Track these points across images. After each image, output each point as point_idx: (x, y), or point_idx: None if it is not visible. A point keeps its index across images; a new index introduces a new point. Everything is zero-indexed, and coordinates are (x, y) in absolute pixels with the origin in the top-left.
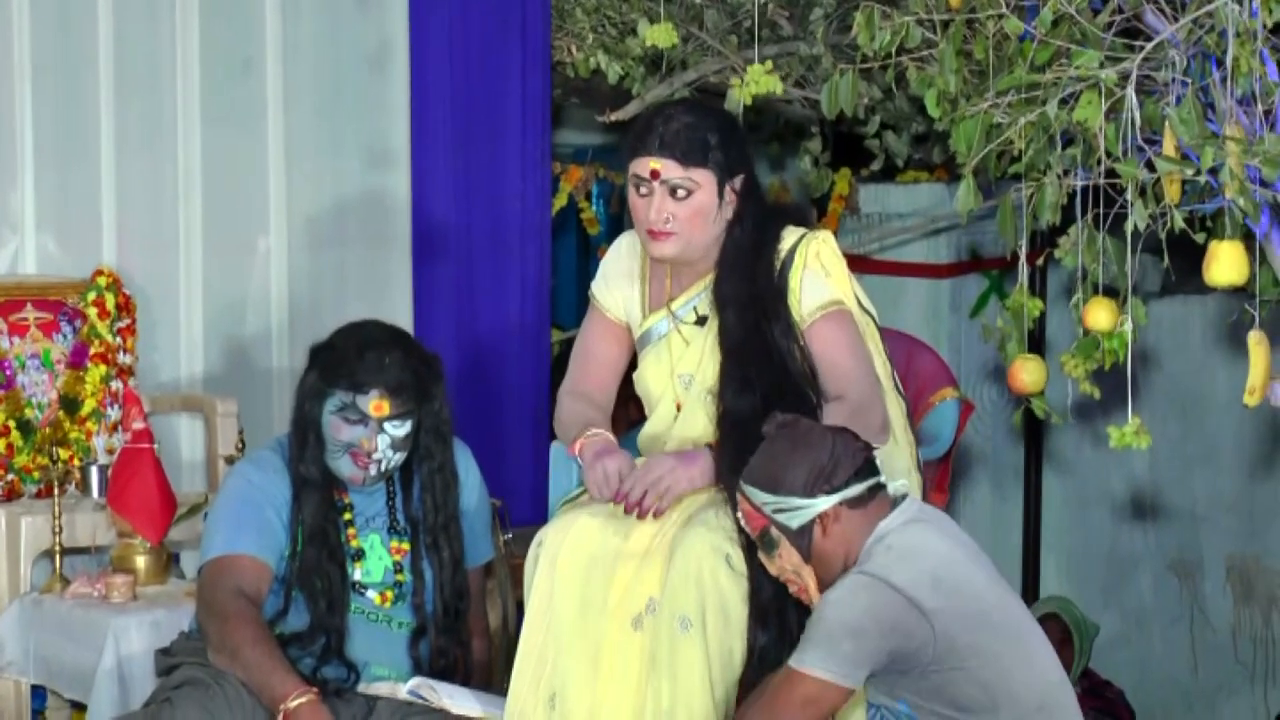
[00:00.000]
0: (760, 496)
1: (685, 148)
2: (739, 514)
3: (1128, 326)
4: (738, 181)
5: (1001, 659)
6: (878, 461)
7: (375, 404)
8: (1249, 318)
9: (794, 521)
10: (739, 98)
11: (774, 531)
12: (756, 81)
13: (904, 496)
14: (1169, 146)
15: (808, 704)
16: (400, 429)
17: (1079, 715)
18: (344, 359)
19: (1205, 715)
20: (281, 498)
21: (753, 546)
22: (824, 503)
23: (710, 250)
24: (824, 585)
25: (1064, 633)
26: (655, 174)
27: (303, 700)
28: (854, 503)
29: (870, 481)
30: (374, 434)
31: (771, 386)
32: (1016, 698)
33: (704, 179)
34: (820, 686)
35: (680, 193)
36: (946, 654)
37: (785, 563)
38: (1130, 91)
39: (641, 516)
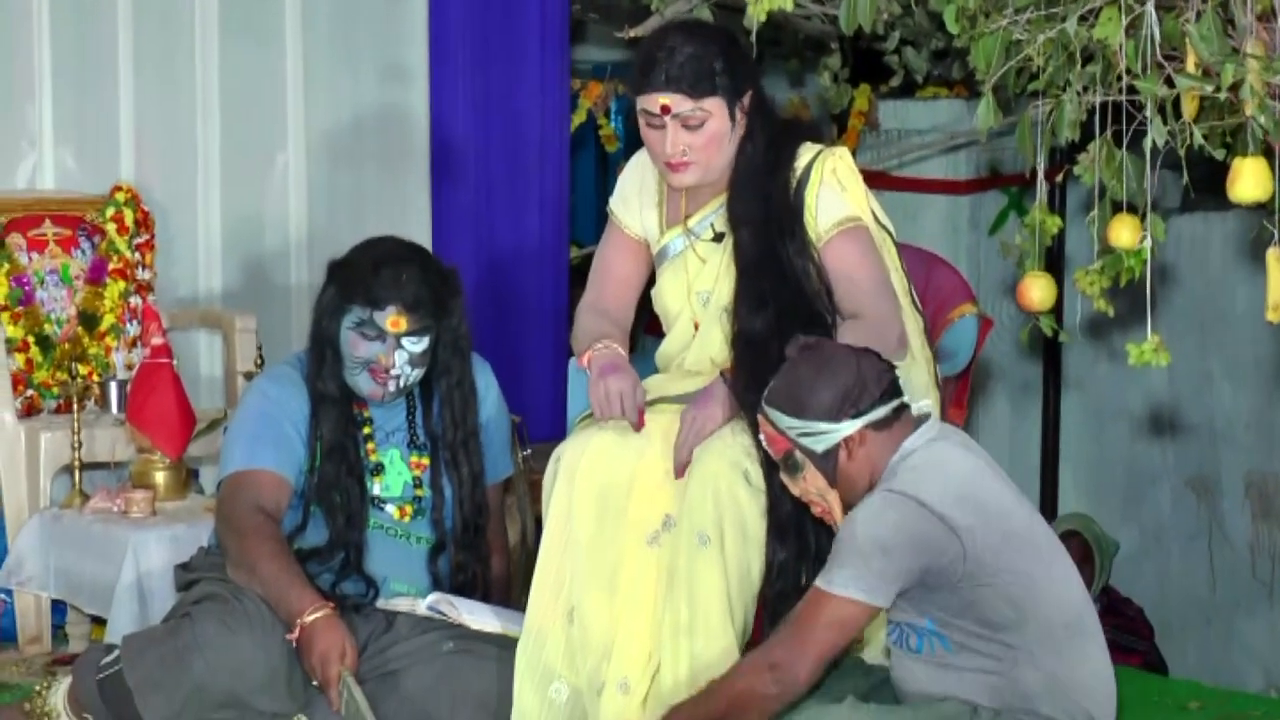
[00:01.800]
0: (784, 420)
1: (693, 79)
2: (760, 436)
3: (1147, 243)
4: (746, 99)
5: (1029, 576)
6: (900, 381)
7: (392, 320)
8: (1269, 234)
9: (819, 445)
10: (753, 14)
11: (798, 455)
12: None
13: (927, 416)
14: (1190, 63)
15: (838, 625)
16: (418, 345)
17: (1101, 634)
18: (361, 275)
19: (1223, 632)
20: (300, 413)
21: (770, 462)
22: (849, 427)
23: (727, 168)
24: (848, 506)
25: (1085, 550)
26: (666, 109)
27: (319, 615)
28: (879, 425)
29: (895, 403)
30: (391, 350)
31: (787, 305)
32: (1043, 615)
33: (715, 106)
34: (850, 607)
35: (693, 123)
36: (976, 570)
37: (809, 485)
38: (1150, 8)
39: (683, 475)
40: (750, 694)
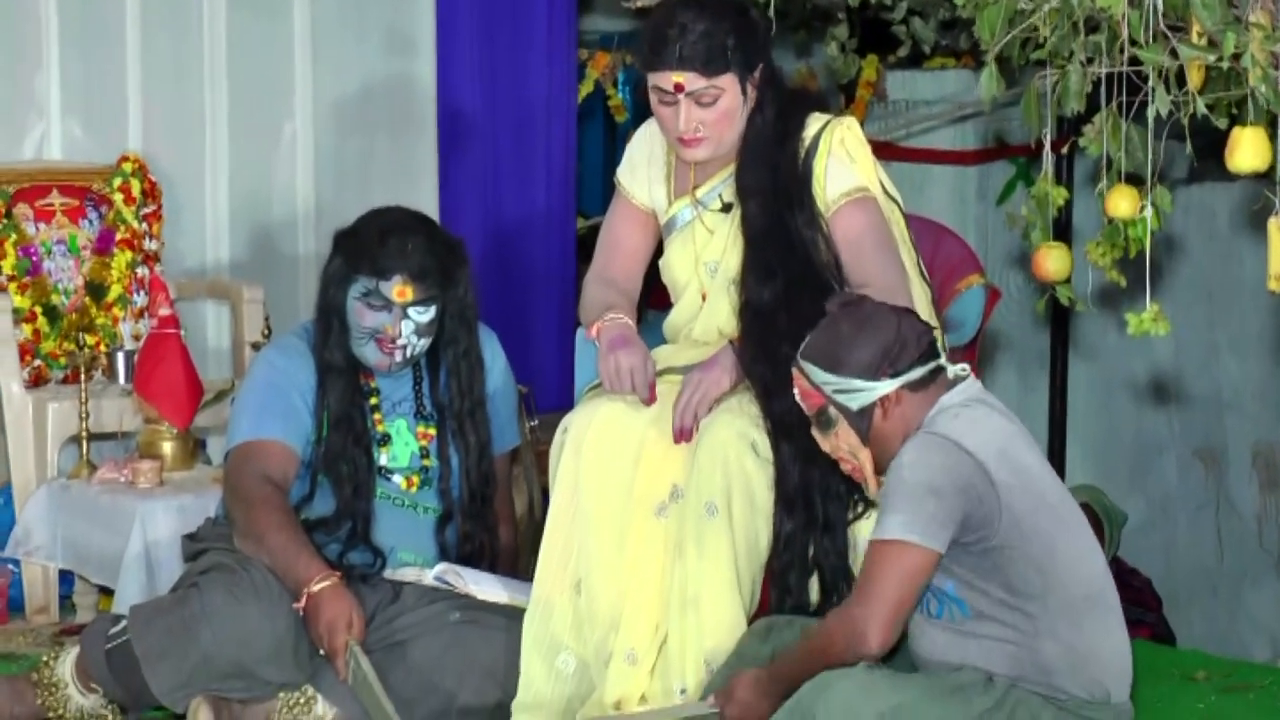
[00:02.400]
0: (820, 376)
1: (706, 57)
2: (794, 390)
3: (1148, 213)
4: (757, 73)
5: (1056, 544)
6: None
7: (399, 289)
8: (1271, 204)
9: (854, 403)
10: None
11: (832, 411)
12: None
13: (965, 377)
14: (1194, 33)
15: (907, 575)
16: (424, 314)
17: (1120, 610)
18: (367, 245)
19: (1230, 602)
20: (307, 383)
21: (778, 432)
22: (887, 386)
23: (737, 139)
24: (880, 467)
25: (1095, 522)
26: (680, 87)
27: (326, 584)
28: (916, 386)
29: (933, 364)
30: (398, 320)
31: (795, 276)
32: (1066, 585)
33: (728, 83)
34: (912, 553)
35: (706, 99)
36: (1010, 529)
37: (841, 442)
38: None
39: (690, 439)
40: (836, 659)
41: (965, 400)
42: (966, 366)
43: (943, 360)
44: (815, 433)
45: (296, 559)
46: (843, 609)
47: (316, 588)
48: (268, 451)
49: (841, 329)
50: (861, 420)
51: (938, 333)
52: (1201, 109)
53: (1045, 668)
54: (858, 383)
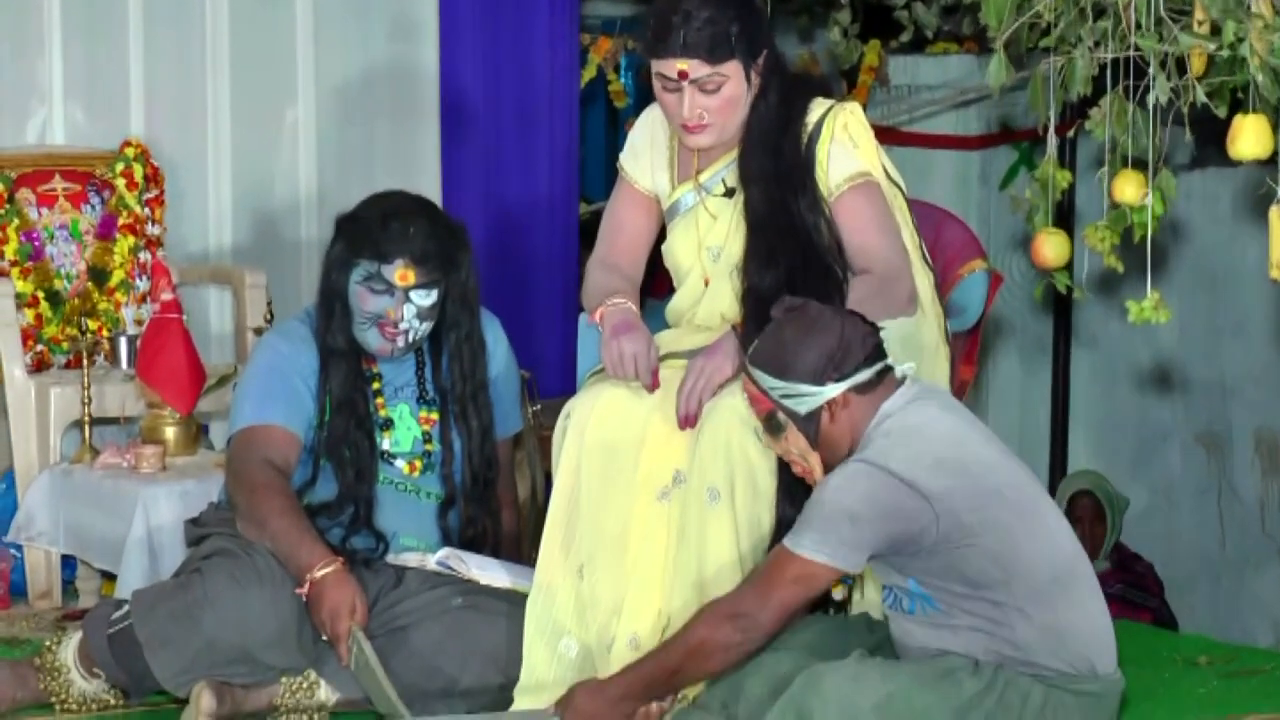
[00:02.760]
0: (768, 381)
1: (710, 45)
2: (748, 397)
3: (1150, 199)
4: (761, 59)
5: (1013, 532)
6: (889, 341)
7: (400, 273)
8: (1272, 192)
9: (802, 408)
10: None
11: (780, 416)
12: None
13: (910, 376)
14: (1196, 19)
15: (799, 581)
16: (426, 298)
17: (1095, 584)
18: (369, 229)
19: (1233, 588)
20: (309, 368)
21: None
22: (832, 390)
23: (740, 125)
24: (829, 467)
25: (1097, 507)
26: (684, 75)
27: (329, 570)
28: (862, 388)
29: (879, 366)
30: (400, 304)
31: (797, 262)
32: (1029, 570)
33: (732, 70)
34: (814, 567)
35: (710, 87)
36: (952, 532)
37: (791, 446)
38: None
39: (694, 425)
40: (711, 643)
41: (907, 402)
42: (911, 366)
43: (889, 361)
44: (765, 437)
45: (300, 544)
46: (731, 601)
47: (320, 573)
48: (270, 436)
49: (786, 334)
50: (809, 424)
51: (884, 334)
52: (1201, 97)
53: (1023, 648)
54: (804, 387)
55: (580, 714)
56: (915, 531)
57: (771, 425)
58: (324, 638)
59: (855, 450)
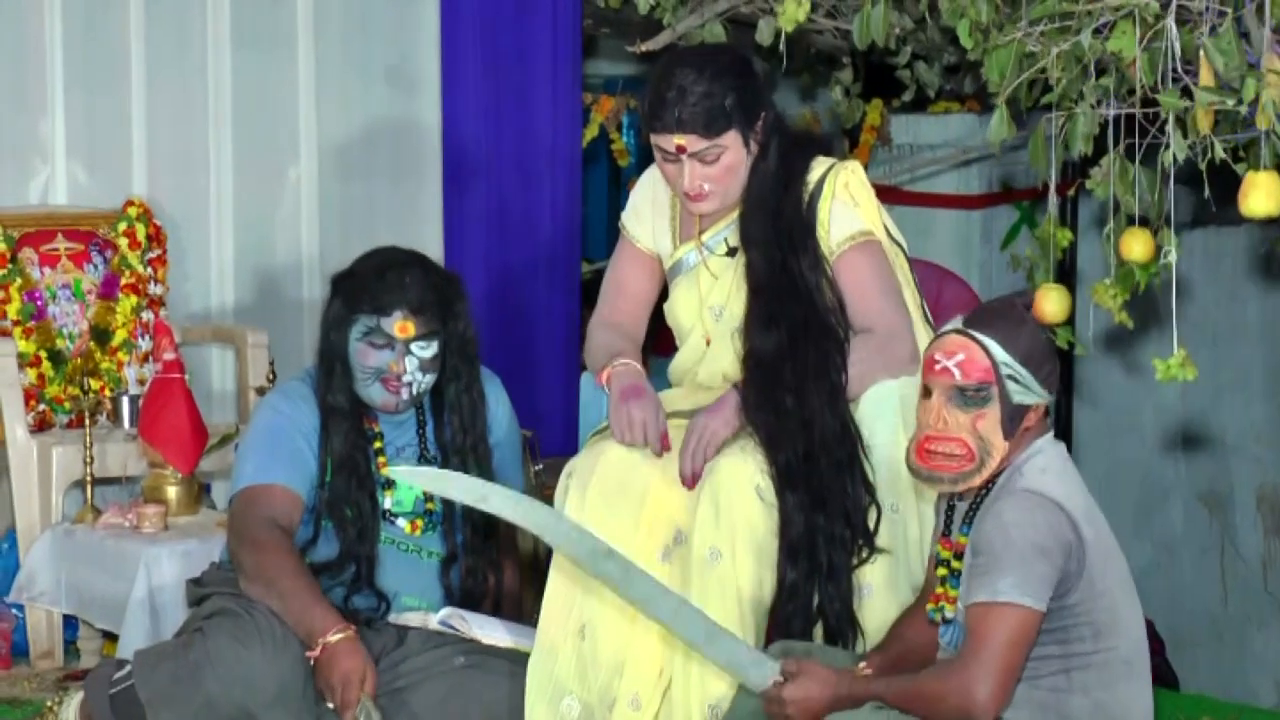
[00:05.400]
0: (1003, 354)
1: (706, 120)
2: (951, 358)
3: (1172, 257)
4: (759, 123)
5: (1118, 603)
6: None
7: (400, 325)
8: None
9: (1019, 398)
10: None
11: (993, 390)
12: (785, 13)
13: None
14: (1205, 76)
15: (1019, 637)
16: (427, 350)
17: (1149, 671)
18: (365, 283)
19: (1235, 646)
20: (311, 427)
21: (783, 482)
22: (1048, 399)
23: (742, 185)
24: (982, 468)
25: None
26: (681, 149)
27: (342, 636)
28: (1045, 414)
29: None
30: (401, 356)
31: (798, 323)
32: (1114, 647)
33: (730, 140)
34: (1024, 615)
35: (710, 158)
36: (1086, 587)
37: (978, 423)
38: (1170, 21)
39: (696, 484)
40: (955, 713)
41: (1053, 443)
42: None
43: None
44: (941, 402)
45: (311, 608)
46: (958, 667)
47: (333, 639)
48: (272, 496)
49: (1033, 328)
50: (1014, 416)
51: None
52: (1220, 154)
53: None
54: (1034, 383)
55: (803, 689)
56: (1070, 571)
57: (977, 394)
58: (331, 705)
59: (1003, 471)
